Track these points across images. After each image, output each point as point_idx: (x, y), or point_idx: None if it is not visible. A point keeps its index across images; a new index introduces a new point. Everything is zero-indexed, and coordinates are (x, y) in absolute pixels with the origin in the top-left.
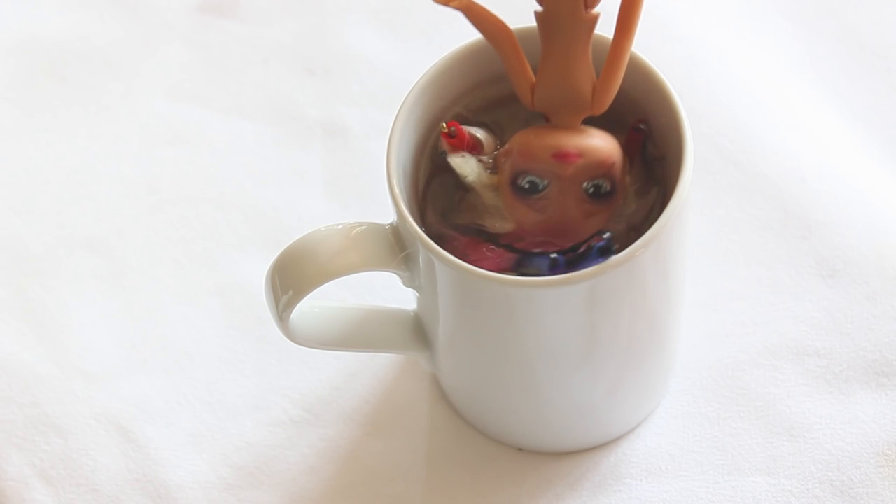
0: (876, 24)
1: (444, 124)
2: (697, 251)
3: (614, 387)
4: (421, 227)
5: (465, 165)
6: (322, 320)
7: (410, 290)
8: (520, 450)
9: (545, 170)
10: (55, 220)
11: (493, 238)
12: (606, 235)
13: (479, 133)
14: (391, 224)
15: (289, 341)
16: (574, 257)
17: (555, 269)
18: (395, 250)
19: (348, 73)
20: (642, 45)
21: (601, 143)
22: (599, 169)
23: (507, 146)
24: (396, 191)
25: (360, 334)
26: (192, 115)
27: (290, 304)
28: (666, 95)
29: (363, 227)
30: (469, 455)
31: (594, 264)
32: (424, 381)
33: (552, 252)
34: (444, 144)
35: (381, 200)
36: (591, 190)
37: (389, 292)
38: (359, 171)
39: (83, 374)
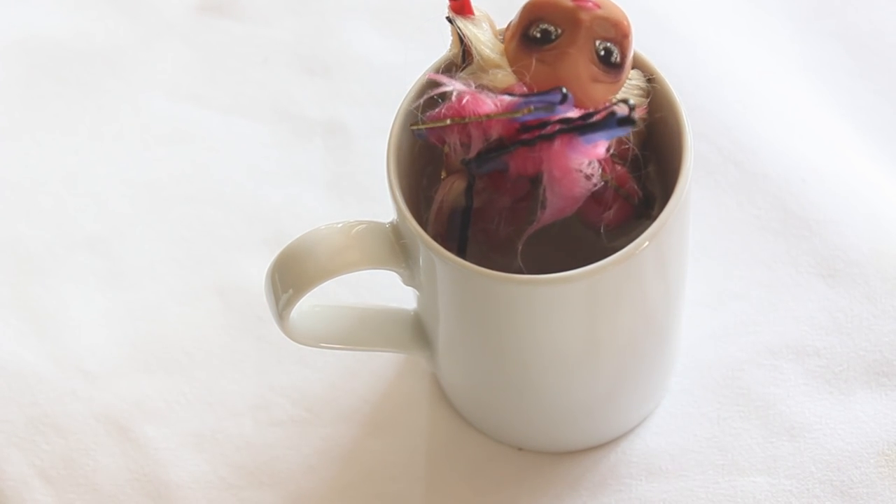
0: (876, 24)
1: None
2: (697, 251)
3: (614, 386)
4: (421, 226)
5: (473, 28)
6: (322, 319)
7: (410, 289)
8: (520, 450)
9: (561, 16)
10: (55, 220)
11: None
12: (631, 102)
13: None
14: (391, 222)
15: (289, 341)
16: (587, 124)
17: (564, 103)
18: (395, 248)
19: (348, 73)
20: (643, 46)
21: (618, 9)
22: (615, 30)
23: (517, 13)
24: (396, 190)
25: (360, 334)
26: (192, 115)
27: (291, 303)
28: (666, 95)
29: (363, 226)
30: (469, 455)
31: (607, 135)
32: (424, 381)
33: (563, 88)
34: (450, 11)
35: (381, 199)
36: (602, 52)
37: (389, 292)
38: (359, 171)
39: (83, 374)
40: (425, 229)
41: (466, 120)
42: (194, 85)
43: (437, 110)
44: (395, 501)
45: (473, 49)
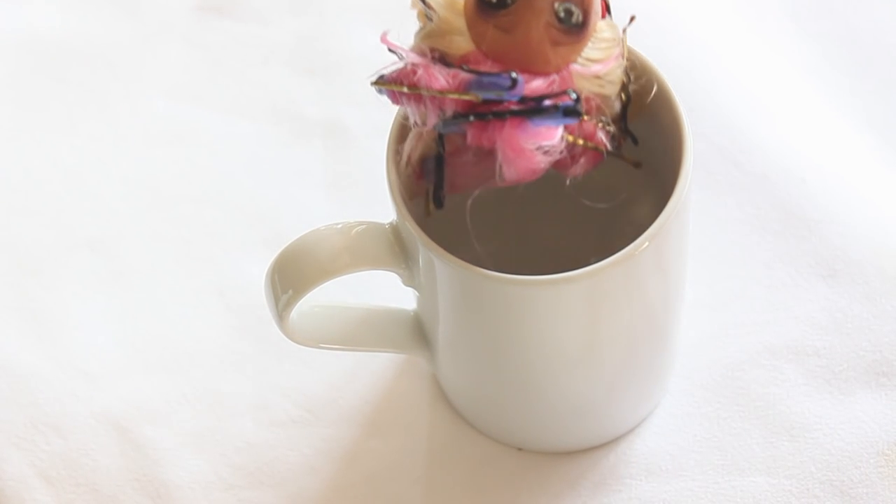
0: (875, 24)
1: None
2: (697, 251)
3: (614, 386)
4: (420, 227)
5: None
6: (322, 320)
7: (410, 289)
8: (520, 450)
9: None
10: (55, 220)
11: (447, 61)
12: (574, 96)
13: None
14: (391, 223)
15: (289, 341)
16: (536, 109)
17: (513, 89)
18: (394, 249)
19: (348, 73)
20: (642, 46)
21: None
22: None
23: None
24: (396, 190)
25: (360, 334)
26: (192, 115)
27: (290, 304)
28: (666, 95)
29: (363, 227)
30: (469, 455)
31: (554, 123)
32: (424, 381)
33: (512, 72)
34: None
35: (381, 200)
36: (563, 14)
37: (389, 292)
38: (359, 171)
39: (83, 374)
40: (423, 229)
41: (422, 91)
42: (194, 85)
43: (393, 71)
44: (396, 502)
45: (433, 11)
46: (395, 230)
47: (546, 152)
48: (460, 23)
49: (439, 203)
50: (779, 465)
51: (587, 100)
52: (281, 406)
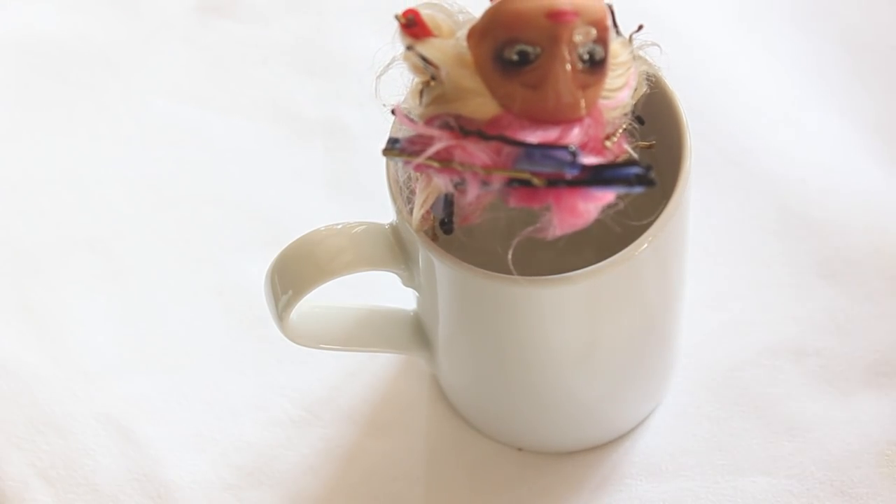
0: (876, 24)
1: (400, 14)
2: (697, 251)
3: (614, 387)
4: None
5: (438, 50)
6: (322, 320)
7: (410, 289)
8: (520, 450)
9: (537, 35)
10: (55, 220)
11: (477, 130)
12: (646, 166)
13: (433, 11)
14: (391, 224)
15: (289, 341)
16: (599, 179)
17: (574, 164)
18: (394, 250)
19: (348, 73)
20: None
21: (592, 2)
22: (596, 28)
23: (480, 20)
24: (396, 190)
25: (360, 334)
26: (192, 115)
27: (290, 304)
28: (666, 95)
29: (363, 227)
30: (469, 455)
31: (624, 191)
32: (424, 381)
33: (568, 145)
34: (405, 38)
35: (381, 200)
36: (587, 56)
37: (389, 292)
38: (359, 171)
39: (83, 374)
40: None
41: (458, 167)
42: (194, 85)
43: (415, 144)
44: (395, 502)
45: (445, 77)
46: (394, 230)
47: (599, 207)
48: (475, 82)
49: (449, 231)
50: (779, 465)
51: (614, 125)
52: (281, 406)
